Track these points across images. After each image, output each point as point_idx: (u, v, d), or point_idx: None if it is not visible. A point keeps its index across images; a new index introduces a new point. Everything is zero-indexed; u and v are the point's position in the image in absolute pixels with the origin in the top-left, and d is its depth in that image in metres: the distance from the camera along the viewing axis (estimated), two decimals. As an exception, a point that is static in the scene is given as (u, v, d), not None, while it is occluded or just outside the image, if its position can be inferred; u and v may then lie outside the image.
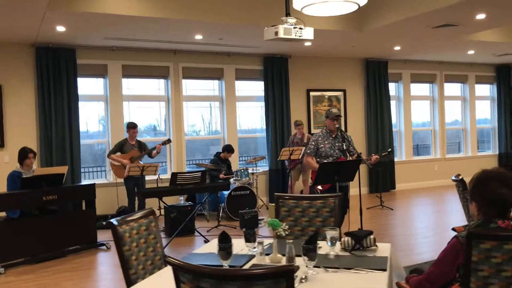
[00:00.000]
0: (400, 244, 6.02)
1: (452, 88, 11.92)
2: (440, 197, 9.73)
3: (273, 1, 6.72)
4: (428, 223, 7.41)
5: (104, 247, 6.19)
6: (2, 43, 7.36)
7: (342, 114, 10.16)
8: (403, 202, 9.24)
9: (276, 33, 4.89)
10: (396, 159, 10.81)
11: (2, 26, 6.38)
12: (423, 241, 6.22)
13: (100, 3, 5.92)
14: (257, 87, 9.50)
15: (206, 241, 6.20)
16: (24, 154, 5.92)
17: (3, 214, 5.74)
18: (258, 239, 2.66)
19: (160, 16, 6.29)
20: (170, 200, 7.53)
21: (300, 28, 4.95)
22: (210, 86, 9.29)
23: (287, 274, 1.62)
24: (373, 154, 5.86)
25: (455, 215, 7.55)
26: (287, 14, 4.96)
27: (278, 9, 5.85)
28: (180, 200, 7.65)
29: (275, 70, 9.34)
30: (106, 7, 5.97)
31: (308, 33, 5.04)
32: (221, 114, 9.26)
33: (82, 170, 8.13)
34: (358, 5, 3.65)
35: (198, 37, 7.57)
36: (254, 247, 2.68)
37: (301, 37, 4.97)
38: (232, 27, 6.98)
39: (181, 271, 1.71)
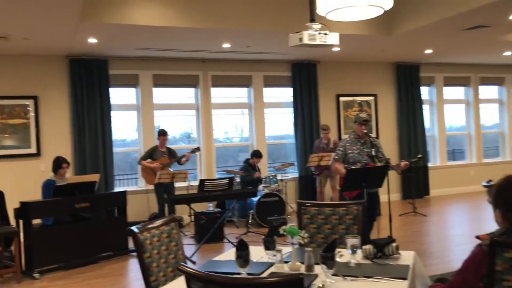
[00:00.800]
0: (432, 251, 5.87)
1: (489, 91, 11.58)
2: (476, 204, 9.44)
3: (299, 7, 6.72)
4: (462, 230, 7.20)
5: (135, 254, 6.28)
6: (38, 56, 7.64)
7: (373, 119, 10.02)
8: (437, 209, 9.02)
9: (301, 39, 4.89)
10: (430, 164, 10.56)
11: (38, 39, 6.62)
12: (456, 248, 6.04)
13: (130, 14, 6.07)
14: (285, 94, 9.50)
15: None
16: (58, 164, 6.11)
17: (38, 221, 5.91)
18: (277, 247, 2.65)
19: (188, 26, 6.39)
20: (200, 207, 7.60)
21: (325, 34, 4.93)
22: (239, 94, 9.35)
23: (297, 282, 1.61)
24: (402, 160, 5.75)
25: (490, 222, 7.27)
26: (312, 20, 4.96)
27: (304, 15, 5.85)
28: (209, 206, 7.72)
29: (303, 76, 9.31)
30: (136, 18, 6.11)
31: (333, 38, 5.02)
32: (249, 121, 9.30)
33: (117, 177, 8.33)
34: (383, 9, 3.60)
35: (226, 45, 7.64)
36: (274, 255, 2.67)
37: (326, 43, 4.96)
38: (259, 34, 7.02)
39: (193, 279, 1.73)
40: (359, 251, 2.68)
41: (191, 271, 1.70)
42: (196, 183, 8.22)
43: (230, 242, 6.53)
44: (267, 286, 1.60)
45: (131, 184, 9.12)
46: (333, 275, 2.33)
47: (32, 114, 7.61)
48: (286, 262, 2.61)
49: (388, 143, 10.01)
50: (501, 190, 2.23)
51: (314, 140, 9.16)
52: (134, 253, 6.27)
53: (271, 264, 2.62)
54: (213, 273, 1.70)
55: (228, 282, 1.62)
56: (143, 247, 2.63)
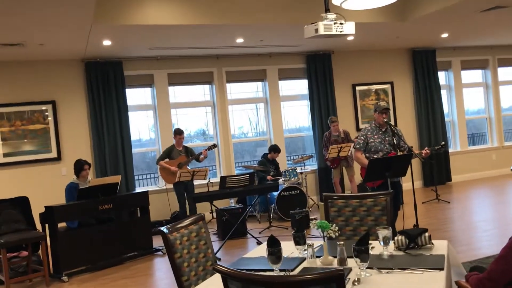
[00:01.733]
0: (459, 239, 5.79)
1: (508, 72, 11.35)
2: (500, 188, 9.29)
3: (312, -2, 6.65)
4: (488, 216, 7.09)
5: (160, 253, 6.33)
6: (53, 61, 7.70)
7: (391, 107, 9.90)
8: (460, 195, 8.90)
9: (316, 30, 4.82)
10: (450, 150, 10.42)
11: (53, 44, 6.66)
12: (483, 234, 5.95)
13: (142, 15, 6.07)
14: (301, 86, 9.44)
15: (259, 242, 6.20)
16: (80, 166, 6.17)
17: (63, 224, 5.97)
18: (308, 242, 2.62)
19: (201, 23, 6.37)
20: (221, 204, 7.61)
21: (341, 23, 4.85)
22: (254, 88, 9.32)
23: (338, 278, 1.58)
24: (426, 148, 5.66)
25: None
26: (327, 10, 4.88)
27: (317, 6, 5.79)
28: (231, 203, 7.72)
29: (319, 67, 9.24)
30: (148, 18, 6.11)
31: (349, 27, 4.94)
32: (266, 115, 9.27)
33: (136, 178, 8.38)
34: (399, -5, 3.54)
35: (239, 40, 7.61)
36: (305, 250, 2.64)
37: (342, 32, 4.88)
38: (272, 27, 6.97)
39: (230, 279, 1.71)
40: (391, 243, 2.63)
41: (229, 270, 1.68)
42: (216, 180, 8.24)
43: (253, 237, 6.53)
44: (307, 284, 1.57)
45: (150, 184, 9.16)
46: (367, 268, 2.30)
47: (50, 118, 7.68)
48: (317, 257, 2.58)
49: (407, 131, 9.90)
50: None
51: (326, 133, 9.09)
52: (159, 252, 6.32)
53: (303, 259, 2.60)
54: (247, 271, 1.68)
55: (268, 281, 1.60)
56: (173, 248, 2.62)
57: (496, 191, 9.05)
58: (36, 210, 5.92)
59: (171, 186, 7.55)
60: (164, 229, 2.65)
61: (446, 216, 7.16)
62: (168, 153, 7.60)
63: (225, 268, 1.72)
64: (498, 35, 9.46)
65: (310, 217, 7.10)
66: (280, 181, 7.95)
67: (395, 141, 5.31)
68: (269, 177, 8.10)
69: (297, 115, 9.73)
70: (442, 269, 2.28)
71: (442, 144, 6.48)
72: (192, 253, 2.75)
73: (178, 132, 7.62)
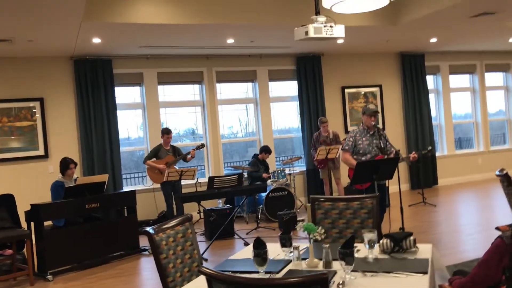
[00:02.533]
0: (444, 241, 5.85)
1: (494, 78, 11.50)
2: (485, 192, 9.40)
3: (303, 1, 6.67)
4: (473, 220, 7.17)
5: (146, 252, 6.31)
6: (42, 57, 7.63)
7: (379, 110, 9.96)
8: (446, 198, 8.99)
9: (306, 32, 4.84)
10: (437, 154, 10.52)
11: (42, 41, 6.61)
12: (467, 238, 6.02)
13: (132, 13, 6.05)
14: (290, 87, 9.48)
15: (246, 243, 6.21)
16: (65, 165, 6.12)
17: (49, 223, 5.92)
18: (294, 244, 2.64)
19: (192, 23, 6.36)
20: (209, 204, 7.60)
21: (331, 26, 4.88)
22: (244, 89, 9.33)
23: (322, 281, 1.60)
24: (413, 152, 5.71)
25: (501, 211, 7.27)
26: (317, 13, 4.91)
27: (308, 8, 5.81)
28: (219, 203, 7.71)
29: (308, 69, 9.27)
30: (139, 17, 6.09)
31: (339, 30, 4.97)
32: (255, 115, 9.28)
33: (124, 176, 8.34)
34: (390, 0, 3.56)
35: (230, 40, 7.61)
36: (291, 252, 2.66)
37: (332, 35, 4.91)
38: (263, 28, 6.98)
39: (215, 281, 1.71)
40: (376, 246, 2.66)
41: (213, 273, 1.69)
42: (204, 180, 8.23)
43: (240, 238, 6.53)
44: (292, 286, 1.58)
45: (138, 183, 9.12)
46: (352, 271, 2.32)
47: (38, 115, 7.62)
48: (303, 259, 2.60)
49: (395, 134, 9.98)
50: None
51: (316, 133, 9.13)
52: (145, 252, 6.29)
53: (289, 261, 2.61)
54: (232, 273, 1.68)
55: (253, 284, 1.61)
56: (159, 248, 2.62)
57: (481, 195, 9.16)
58: (22, 207, 5.86)
59: (158, 185, 7.52)
60: (150, 229, 2.65)
61: (432, 219, 7.22)
62: (156, 153, 7.57)
63: (210, 270, 1.72)
64: (486, 41, 9.58)
65: (298, 219, 7.12)
66: (269, 182, 7.96)
67: (382, 144, 5.35)
68: (265, 175, 8.11)
69: (287, 116, 9.75)
70: (426, 273, 2.31)
71: (429, 148, 6.55)
72: (178, 254, 2.75)
73: (166, 132, 7.59)
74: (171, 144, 7.70)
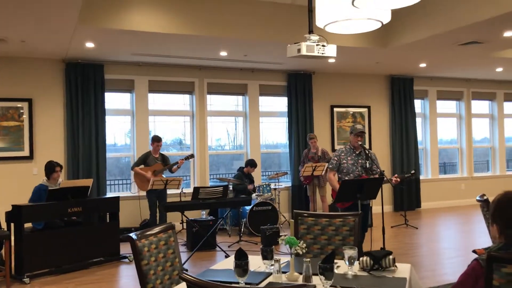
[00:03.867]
0: (424, 264, 5.90)
1: (480, 106, 11.72)
2: (467, 217, 9.51)
3: (297, 19, 6.78)
4: (453, 244, 7.24)
5: (126, 260, 6.25)
6: (34, 59, 7.62)
7: (366, 130, 10.08)
8: (428, 221, 9.07)
9: (299, 50, 4.91)
10: (421, 177, 10.64)
11: (35, 42, 6.61)
12: (447, 261, 6.08)
13: (127, 20, 6.08)
14: (280, 103, 9.55)
15: (227, 256, 6.19)
16: (51, 168, 6.07)
17: (28, 225, 5.86)
18: (275, 257, 2.66)
19: (186, 33, 6.42)
20: (192, 214, 7.58)
21: (323, 45, 4.96)
22: (234, 102, 9.38)
23: (300, 293, 1.62)
24: (396, 175, 5.78)
25: (481, 236, 7.37)
26: (310, 32, 4.99)
27: (301, 27, 5.90)
28: (202, 214, 7.69)
29: (299, 86, 9.37)
30: (134, 24, 6.12)
31: (331, 50, 5.05)
32: (244, 129, 9.32)
33: (108, 182, 8.29)
34: (382, 22, 3.64)
35: (223, 53, 7.67)
36: (272, 265, 2.67)
37: (324, 54, 4.98)
38: (257, 43, 7.06)
39: (195, 288, 1.73)
40: (356, 263, 2.69)
41: (195, 279, 1.70)
42: (189, 190, 8.21)
43: (222, 250, 6.52)
44: (271, 297, 1.60)
45: (122, 190, 9.07)
46: (331, 286, 2.34)
47: (25, 116, 7.57)
48: (284, 272, 2.61)
49: (381, 155, 10.08)
50: (499, 207, 2.25)
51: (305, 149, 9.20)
52: (125, 260, 6.24)
53: (269, 274, 2.62)
54: (215, 282, 1.70)
55: (232, 292, 1.63)
56: (141, 255, 2.62)
57: (463, 220, 9.26)
58: (3, 208, 5.80)
59: (144, 193, 7.49)
60: (133, 235, 2.65)
61: (413, 241, 7.28)
62: (144, 160, 7.56)
63: (191, 277, 1.74)
64: (474, 69, 9.79)
65: (280, 234, 7.12)
66: (253, 196, 7.97)
67: (367, 164, 5.41)
68: (250, 187, 8.12)
69: (275, 131, 9.81)
70: (403, 291, 2.34)
71: (412, 172, 6.63)
72: (159, 261, 2.75)
73: (156, 139, 7.59)
74: (161, 152, 7.70)
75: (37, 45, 6.80)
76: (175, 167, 7.55)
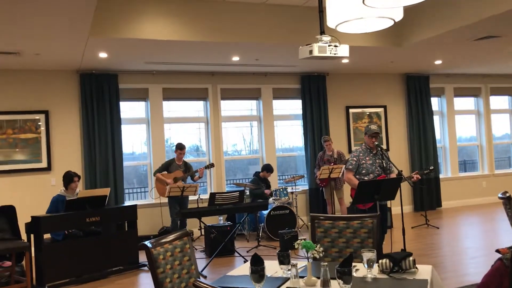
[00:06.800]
0: (446, 264, 5.78)
1: (500, 101, 11.49)
2: (489, 215, 9.31)
3: (308, 20, 6.74)
4: (476, 243, 7.08)
5: (145, 268, 6.26)
6: (49, 71, 7.71)
7: (383, 130, 9.97)
8: (450, 221, 8.90)
9: (311, 51, 4.86)
10: (441, 176, 10.47)
11: (49, 55, 6.69)
12: (470, 261, 5.94)
13: (139, 29, 6.12)
14: (295, 106, 9.50)
15: (246, 261, 6.15)
16: (69, 178, 6.12)
17: (47, 236, 5.90)
18: (292, 262, 2.61)
19: (197, 40, 6.42)
20: (209, 220, 7.56)
21: (335, 46, 4.90)
22: (248, 106, 9.36)
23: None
24: (416, 172, 5.68)
25: (505, 235, 7.20)
26: (322, 32, 4.94)
27: (313, 28, 5.86)
28: (220, 220, 7.67)
29: (313, 88, 9.31)
30: (146, 33, 6.15)
31: (343, 50, 4.99)
32: (259, 133, 9.29)
33: (126, 191, 8.34)
34: (394, 20, 3.58)
35: (235, 58, 7.67)
36: (289, 270, 2.63)
37: (336, 55, 4.92)
38: (268, 47, 7.04)
39: (209, 296, 1.69)
40: (375, 266, 2.63)
41: (208, 287, 1.67)
42: (206, 196, 8.20)
43: (240, 255, 6.48)
44: (286, 303, 1.56)
45: (140, 198, 9.10)
46: (350, 290, 2.29)
47: (42, 128, 7.66)
48: (301, 277, 2.57)
49: (399, 155, 9.95)
50: None
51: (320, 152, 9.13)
52: (145, 267, 6.25)
53: (286, 279, 2.58)
54: (230, 290, 1.67)
55: (246, 299, 1.59)
56: (156, 262, 2.60)
57: (485, 219, 9.07)
58: (23, 219, 5.85)
59: (165, 199, 7.52)
60: (147, 243, 2.63)
61: (434, 241, 7.15)
62: (167, 166, 7.62)
63: (205, 284, 1.71)
64: (491, 64, 9.61)
65: (299, 238, 7.06)
66: (270, 200, 7.93)
67: (384, 164, 5.33)
68: (267, 191, 8.08)
69: (290, 134, 9.76)
70: (424, 294, 2.28)
71: (430, 168, 6.51)
72: (175, 269, 2.73)
73: (180, 147, 7.63)
74: (184, 160, 7.73)
75: (51, 58, 6.89)
76: (196, 176, 7.57)
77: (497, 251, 2.27)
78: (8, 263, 5.60)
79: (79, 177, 6.24)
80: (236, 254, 6.72)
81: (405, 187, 8.19)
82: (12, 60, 6.88)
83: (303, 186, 9.32)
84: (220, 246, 6.40)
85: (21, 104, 7.56)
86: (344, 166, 7.66)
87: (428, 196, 10.03)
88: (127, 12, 6.04)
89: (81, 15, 5.07)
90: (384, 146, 9.76)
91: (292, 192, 8.46)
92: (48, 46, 6.24)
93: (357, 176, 5.37)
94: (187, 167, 7.69)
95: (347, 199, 7.98)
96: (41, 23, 5.23)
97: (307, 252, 2.56)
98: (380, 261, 2.69)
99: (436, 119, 10.56)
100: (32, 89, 7.65)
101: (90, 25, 5.51)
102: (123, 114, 8.21)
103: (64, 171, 6.31)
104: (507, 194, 4.45)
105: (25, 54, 6.54)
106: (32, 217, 5.66)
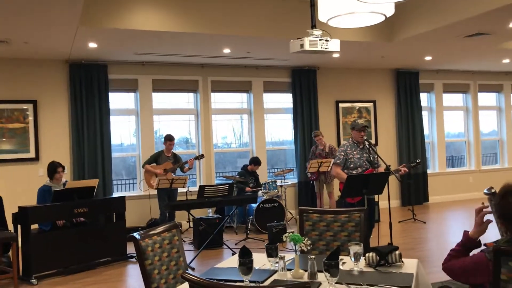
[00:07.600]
0: (432, 259, 5.85)
1: (487, 98, 11.61)
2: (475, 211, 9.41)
3: (300, 14, 6.73)
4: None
5: (133, 259, 6.26)
6: (38, 60, 7.63)
7: (372, 125, 10.03)
8: (436, 216, 9.00)
9: (302, 45, 4.87)
10: (429, 171, 10.57)
11: (38, 43, 6.61)
12: (456, 256, 6.01)
13: (129, 19, 6.07)
14: (285, 99, 9.51)
15: (234, 254, 6.17)
16: (53, 169, 6.06)
17: (35, 226, 5.87)
18: (280, 254, 2.63)
19: (188, 31, 6.39)
20: (198, 213, 7.57)
21: (326, 40, 4.91)
22: (239, 99, 9.35)
23: (304, 291, 1.59)
24: (403, 165, 5.74)
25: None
26: (313, 26, 4.95)
27: (304, 22, 5.86)
28: (209, 212, 7.68)
29: (303, 82, 9.32)
30: (136, 23, 6.11)
31: (334, 45, 5.00)
32: (249, 126, 9.29)
33: (115, 182, 8.30)
34: (385, 16, 3.59)
35: (226, 50, 7.64)
36: (276, 262, 2.65)
37: (327, 49, 4.94)
38: (260, 40, 7.02)
39: (197, 287, 1.70)
40: (362, 259, 2.66)
41: (196, 279, 1.68)
42: (195, 188, 8.20)
43: (229, 248, 6.50)
44: (273, 295, 1.57)
45: (128, 189, 9.08)
46: (337, 283, 2.31)
47: (31, 118, 7.59)
48: (289, 270, 2.59)
49: (388, 150, 10.02)
50: (498, 199, 2.23)
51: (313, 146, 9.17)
52: (133, 259, 6.24)
53: (274, 272, 2.60)
54: (217, 281, 1.68)
55: (234, 291, 1.60)
56: (144, 254, 2.60)
57: (471, 214, 9.12)
58: (10, 210, 5.81)
59: (154, 192, 7.50)
60: (136, 235, 2.63)
61: (421, 236, 7.23)
62: (156, 158, 7.59)
63: (193, 276, 1.71)
64: (480, 61, 9.69)
65: (287, 231, 7.09)
66: (260, 193, 7.95)
67: (371, 158, 5.37)
68: (247, 188, 8.10)
69: (280, 128, 9.77)
70: (409, 287, 2.31)
71: (418, 161, 6.54)
72: (164, 261, 2.73)
73: (169, 138, 7.60)
74: (173, 151, 7.70)
75: (40, 46, 6.81)
76: (186, 167, 7.55)
77: (485, 245, 2.31)
78: (-6, 254, 5.56)
79: (63, 167, 6.17)
80: (224, 246, 6.74)
81: (392, 181, 8.23)
82: (1, 49, 6.79)
83: (292, 179, 9.36)
84: (208, 238, 6.41)
85: (9, 93, 7.48)
86: (332, 160, 7.71)
87: (415, 191, 10.12)
88: (117, 2, 5.98)
89: (70, 3, 5.02)
90: (373, 141, 9.82)
91: (281, 186, 8.49)
92: (37, 35, 6.17)
93: (345, 171, 5.41)
94: (176, 158, 7.67)
95: (337, 193, 8.03)
96: (30, 11, 5.17)
97: (295, 245, 2.58)
98: (366, 254, 2.71)
99: (425, 114, 10.64)
100: (21, 78, 7.57)
101: (79, 14, 5.46)
102: (112, 105, 8.15)
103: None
104: (493, 190, 4.51)
105: (13, 42, 6.46)
106: (19, 208, 5.62)
